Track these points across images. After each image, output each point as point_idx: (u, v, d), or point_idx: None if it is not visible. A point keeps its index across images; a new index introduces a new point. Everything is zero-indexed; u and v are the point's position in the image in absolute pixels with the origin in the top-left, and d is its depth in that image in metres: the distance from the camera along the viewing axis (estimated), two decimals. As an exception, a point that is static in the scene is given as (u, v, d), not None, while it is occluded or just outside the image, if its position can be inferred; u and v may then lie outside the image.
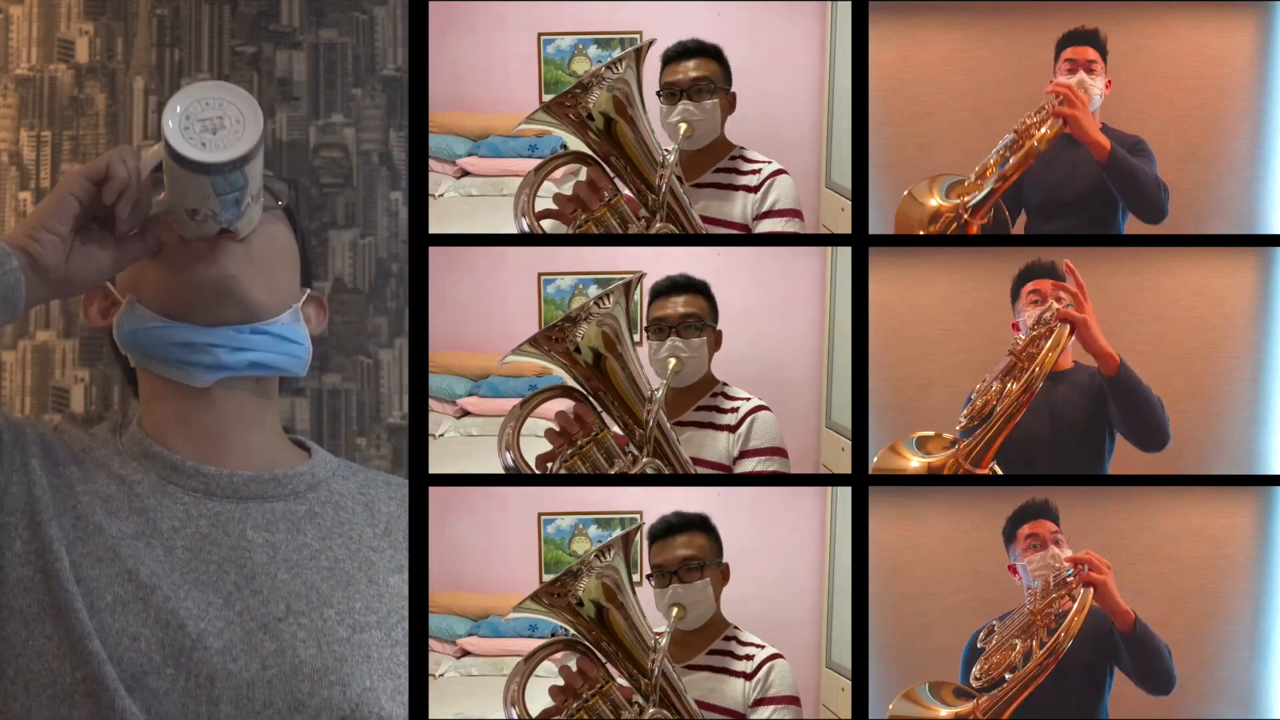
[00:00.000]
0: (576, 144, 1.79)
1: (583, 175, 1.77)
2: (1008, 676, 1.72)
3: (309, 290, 1.77)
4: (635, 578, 1.73)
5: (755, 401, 1.79)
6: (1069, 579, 1.73)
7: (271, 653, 1.64)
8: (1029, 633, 1.73)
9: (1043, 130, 1.77)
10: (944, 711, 1.74)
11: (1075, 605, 1.72)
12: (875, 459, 1.77)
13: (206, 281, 1.70)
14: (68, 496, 1.64)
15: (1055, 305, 1.76)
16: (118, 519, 1.62)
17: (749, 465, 1.77)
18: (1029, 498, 1.77)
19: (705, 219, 1.79)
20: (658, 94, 1.80)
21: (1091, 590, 1.72)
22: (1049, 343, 1.75)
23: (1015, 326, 1.78)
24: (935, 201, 1.79)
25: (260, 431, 1.76)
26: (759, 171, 1.80)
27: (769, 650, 1.74)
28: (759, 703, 1.72)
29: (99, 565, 1.59)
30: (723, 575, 1.74)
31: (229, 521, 1.66)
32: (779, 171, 1.81)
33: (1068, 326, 1.75)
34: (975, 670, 1.74)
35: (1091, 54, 1.79)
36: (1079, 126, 1.78)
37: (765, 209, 1.79)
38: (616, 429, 1.75)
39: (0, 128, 3.59)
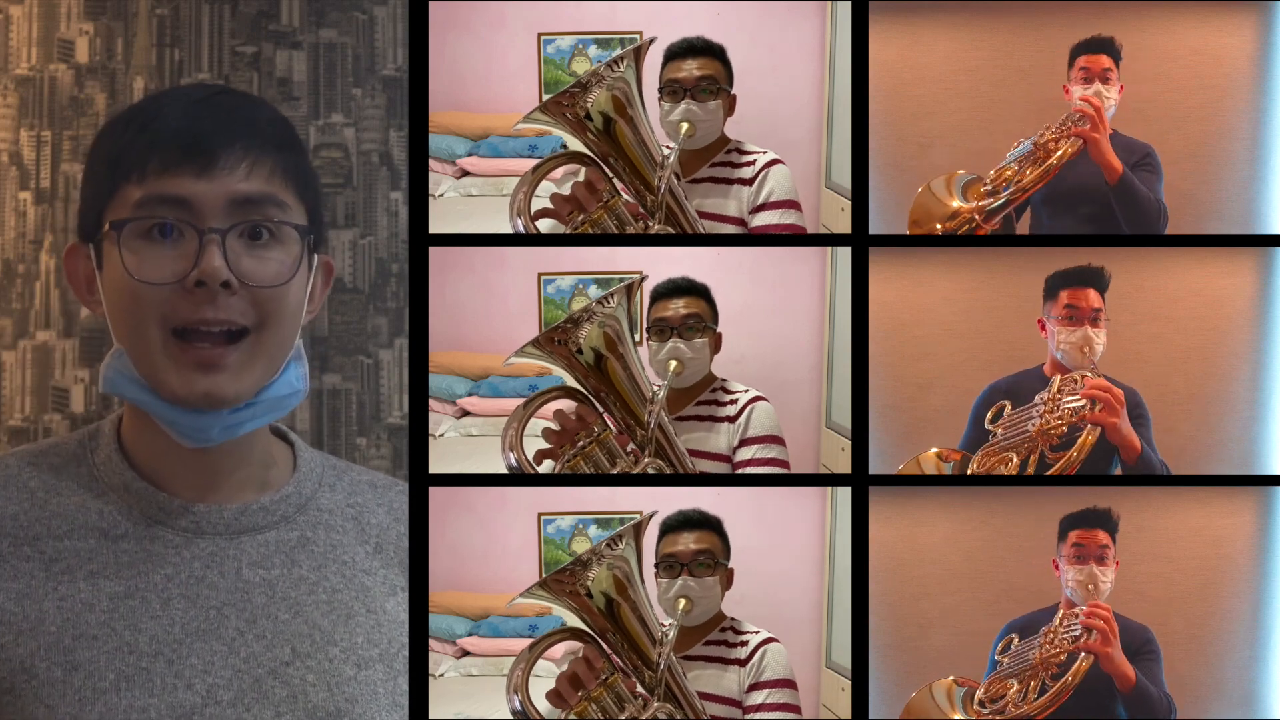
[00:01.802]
0: (576, 144, 1.78)
1: (581, 176, 1.77)
2: (1010, 710, 1.73)
3: (318, 257, 1.65)
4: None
5: (754, 393, 1.78)
6: (1076, 639, 1.73)
7: (283, 699, 1.57)
8: (1030, 675, 1.73)
9: (1061, 149, 1.77)
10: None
11: (1074, 667, 1.72)
12: (901, 468, 1.78)
13: (195, 400, 1.55)
14: (45, 582, 1.51)
15: (1084, 406, 1.75)
16: (105, 580, 1.52)
17: (748, 453, 1.77)
18: (1092, 503, 1.77)
19: (702, 214, 1.79)
20: (659, 90, 1.79)
21: (1093, 657, 1.73)
22: (1079, 442, 1.75)
23: (1041, 324, 1.78)
24: (956, 203, 1.78)
25: (251, 456, 1.64)
26: (754, 163, 1.79)
27: (763, 635, 1.74)
28: (754, 687, 1.72)
29: (94, 644, 1.50)
30: (728, 579, 1.74)
31: (223, 560, 1.57)
32: (774, 162, 1.80)
33: (1099, 429, 1.76)
34: (979, 693, 1.75)
35: (1106, 62, 1.79)
36: (1097, 149, 1.78)
37: (760, 201, 1.78)
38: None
39: (0, 128, 3.60)
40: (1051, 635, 1.73)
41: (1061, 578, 1.75)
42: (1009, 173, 1.77)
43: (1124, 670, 1.72)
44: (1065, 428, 1.74)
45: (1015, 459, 1.75)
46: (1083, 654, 1.72)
